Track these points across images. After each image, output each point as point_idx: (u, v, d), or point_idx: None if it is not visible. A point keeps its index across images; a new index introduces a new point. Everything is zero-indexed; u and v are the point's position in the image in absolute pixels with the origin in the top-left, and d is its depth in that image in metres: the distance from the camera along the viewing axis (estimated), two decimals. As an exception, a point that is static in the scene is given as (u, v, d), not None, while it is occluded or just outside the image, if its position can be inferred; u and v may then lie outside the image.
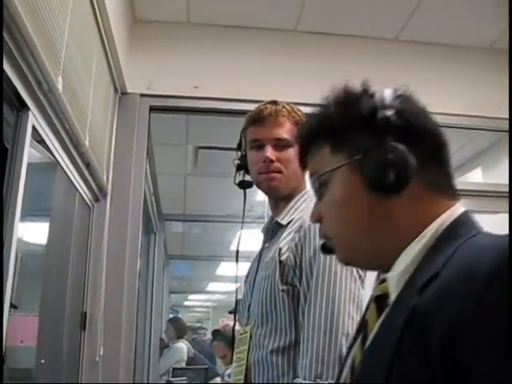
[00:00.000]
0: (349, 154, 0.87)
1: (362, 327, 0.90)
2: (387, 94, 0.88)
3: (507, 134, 3.13)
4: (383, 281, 0.86)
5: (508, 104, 2.57)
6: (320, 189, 0.92)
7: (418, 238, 0.81)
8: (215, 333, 5.71)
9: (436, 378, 0.63)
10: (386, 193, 0.83)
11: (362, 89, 0.90)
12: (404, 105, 0.87)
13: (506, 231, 0.70)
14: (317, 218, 0.94)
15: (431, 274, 0.71)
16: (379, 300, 0.86)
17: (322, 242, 0.99)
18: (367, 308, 0.92)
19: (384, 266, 0.85)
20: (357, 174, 0.85)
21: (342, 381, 0.91)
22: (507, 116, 2.80)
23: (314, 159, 0.95)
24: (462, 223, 0.82)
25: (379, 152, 0.83)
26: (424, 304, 0.68)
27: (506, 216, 2.93)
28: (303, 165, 1.00)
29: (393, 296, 0.81)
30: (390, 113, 0.84)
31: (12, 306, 1.95)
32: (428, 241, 0.80)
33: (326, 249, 0.96)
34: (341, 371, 0.94)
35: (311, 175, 0.96)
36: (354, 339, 0.92)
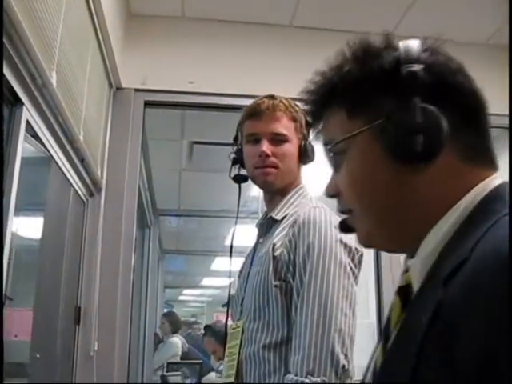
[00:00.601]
0: (368, 119, 0.75)
1: (386, 325, 0.79)
2: (414, 45, 0.75)
3: (506, 130, 3.13)
4: (407, 270, 0.76)
5: (508, 101, 2.57)
6: (336, 159, 0.80)
7: (446, 216, 0.69)
8: (206, 328, 5.73)
9: (464, 379, 0.53)
10: (413, 164, 0.71)
11: (384, 42, 0.79)
12: (434, 58, 0.75)
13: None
14: (333, 192, 0.82)
15: (458, 260, 0.60)
16: (403, 292, 0.76)
17: (342, 219, 0.86)
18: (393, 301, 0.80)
19: (410, 249, 0.75)
20: (379, 141, 0.73)
21: (366, 381, 0.82)
22: (506, 112, 2.81)
23: (328, 125, 0.82)
24: (498, 197, 0.68)
25: (405, 115, 0.71)
26: (450, 298, 0.58)
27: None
28: (316, 133, 0.87)
29: (416, 287, 0.71)
30: (417, 67, 0.72)
31: (7, 298, 1.95)
32: (457, 219, 0.68)
33: (345, 227, 0.84)
34: (366, 371, 0.84)
35: (325, 143, 0.83)
36: (381, 337, 0.80)
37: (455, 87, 0.74)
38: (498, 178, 0.72)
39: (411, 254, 0.74)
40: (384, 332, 0.78)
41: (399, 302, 0.76)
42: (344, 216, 0.84)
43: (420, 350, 0.59)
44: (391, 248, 0.84)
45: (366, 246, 0.84)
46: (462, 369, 0.53)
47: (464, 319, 0.54)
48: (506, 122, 2.86)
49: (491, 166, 0.74)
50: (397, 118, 0.71)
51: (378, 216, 0.77)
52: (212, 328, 5.41)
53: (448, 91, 0.73)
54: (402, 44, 0.76)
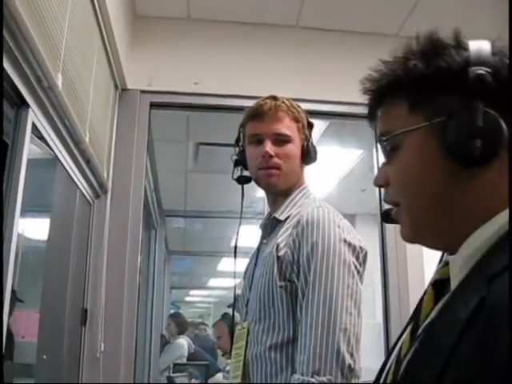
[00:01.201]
0: (430, 115, 0.75)
1: (416, 314, 0.80)
2: (484, 47, 0.75)
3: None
4: (447, 263, 0.77)
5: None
6: (391, 151, 0.81)
7: (492, 220, 0.70)
8: (225, 314, 5.72)
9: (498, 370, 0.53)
10: (468, 166, 0.71)
11: (454, 39, 0.78)
12: (503, 62, 0.74)
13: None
14: (383, 182, 0.83)
15: (505, 262, 0.60)
16: (438, 285, 0.77)
17: (386, 209, 0.86)
18: (424, 293, 0.81)
19: (453, 247, 0.75)
20: (437, 139, 0.74)
21: (386, 369, 0.81)
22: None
23: (387, 116, 0.83)
24: None
25: (467, 117, 0.71)
26: (495, 296, 0.58)
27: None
28: (372, 119, 0.86)
29: (454, 282, 0.72)
30: (485, 70, 0.72)
31: (18, 300, 1.96)
32: (501, 226, 0.68)
33: (388, 217, 0.85)
34: (387, 359, 0.84)
35: (382, 134, 0.83)
36: (406, 326, 0.81)
37: None
38: None
39: (452, 252, 0.75)
40: (412, 321, 0.79)
41: (433, 293, 0.77)
42: (390, 206, 0.84)
43: (458, 341, 0.59)
44: (433, 245, 0.83)
45: (409, 240, 0.83)
46: (497, 359, 0.53)
47: (507, 318, 0.54)
48: None
49: None
50: (458, 119, 0.72)
51: (424, 213, 0.77)
52: (229, 317, 5.41)
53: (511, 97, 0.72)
54: (472, 44, 0.76)
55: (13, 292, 1.72)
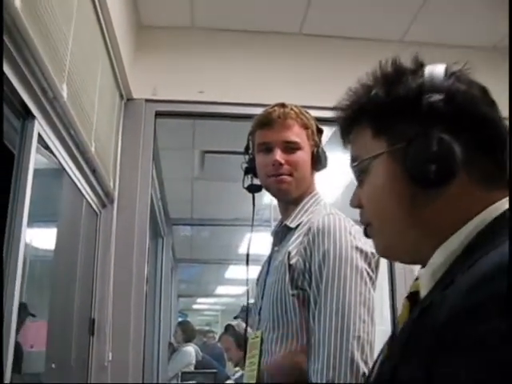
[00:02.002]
0: (391, 141, 0.80)
1: (394, 328, 0.84)
2: (437, 72, 0.78)
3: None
4: (418, 278, 0.81)
5: (508, 104, 2.55)
6: (360, 175, 0.85)
7: (456, 233, 0.74)
8: (228, 326, 5.71)
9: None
10: (427, 187, 0.76)
11: (413, 65, 0.82)
12: (457, 86, 0.77)
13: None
14: (356, 204, 0.88)
15: (458, 275, 0.65)
16: (413, 298, 0.81)
17: (363, 227, 0.90)
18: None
19: (422, 262, 0.79)
20: (399, 164, 0.78)
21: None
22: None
23: (355, 142, 0.87)
24: (505, 221, 0.71)
25: (423, 143, 0.75)
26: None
27: None
28: (345, 147, 0.90)
29: (423, 294, 0.76)
30: (438, 97, 0.75)
31: (31, 315, 1.96)
32: (466, 237, 0.73)
33: (366, 235, 0.89)
34: (372, 369, 0.88)
35: (352, 159, 0.87)
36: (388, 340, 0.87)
37: (474, 116, 0.77)
38: (507, 201, 0.75)
39: (423, 265, 0.79)
40: (393, 333, 0.84)
41: (408, 306, 0.81)
42: (365, 226, 0.89)
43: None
44: (404, 260, 0.88)
45: (383, 256, 0.92)
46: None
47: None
48: None
49: (505, 189, 0.76)
50: (415, 145, 0.76)
51: (394, 232, 0.82)
52: (234, 328, 5.39)
53: (467, 120, 0.76)
54: (427, 70, 0.79)
55: (24, 306, 1.73)
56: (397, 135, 0.79)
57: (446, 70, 0.79)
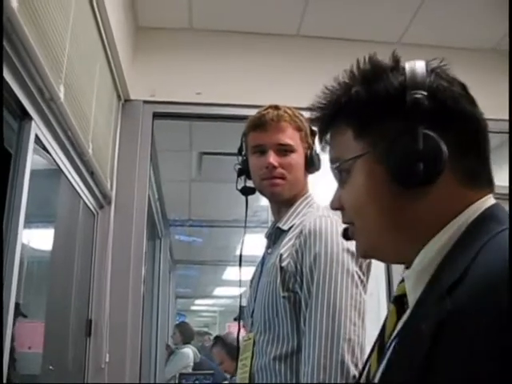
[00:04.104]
0: (374, 141, 0.77)
1: (381, 333, 0.83)
2: (419, 69, 0.76)
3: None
4: (403, 279, 0.79)
5: (508, 105, 2.55)
6: (341, 176, 0.83)
7: (440, 233, 0.73)
8: (217, 339, 5.71)
9: (486, 372, 0.54)
10: (412, 187, 0.74)
11: (392, 62, 0.80)
12: (438, 83, 0.76)
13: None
14: (337, 205, 0.86)
15: (456, 276, 0.63)
16: (399, 301, 0.80)
17: (343, 227, 0.89)
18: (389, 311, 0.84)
19: (406, 261, 0.78)
20: (382, 163, 0.76)
21: None
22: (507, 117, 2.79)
23: (334, 143, 0.85)
24: (491, 217, 0.72)
25: (407, 141, 0.73)
26: (459, 307, 0.59)
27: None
28: (322, 147, 0.89)
29: (411, 297, 0.75)
30: (421, 94, 0.74)
31: (22, 315, 1.96)
32: (451, 237, 0.72)
33: (348, 235, 0.87)
34: (359, 377, 0.88)
35: (332, 161, 0.85)
36: (374, 345, 0.85)
37: (457, 113, 0.76)
38: (491, 198, 0.76)
39: (407, 266, 0.78)
40: (379, 339, 0.82)
41: (395, 310, 0.80)
42: (347, 225, 0.87)
43: (428, 358, 0.60)
44: (388, 260, 0.88)
45: (364, 256, 0.89)
46: (478, 366, 0.54)
47: (475, 320, 0.56)
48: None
49: (488, 187, 0.77)
50: (400, 144, 0.74)
51: (376, 233, 0.80)
52: (223, 339, 5.39)
53: (450, 117, 0.75)
54: (407, 66, 0.78)
55: (16, 305, 1.72)
56: (380, 134, 0.77)
57: (427, 66, 0.78)
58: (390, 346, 0.75)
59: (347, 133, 0.81)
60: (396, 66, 0.80)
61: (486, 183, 0.78)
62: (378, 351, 0.80)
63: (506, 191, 3.30)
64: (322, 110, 0.86)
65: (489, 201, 0.75)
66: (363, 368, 0.87)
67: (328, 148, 0.87)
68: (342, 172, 0.83)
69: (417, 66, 0.77)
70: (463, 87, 0.80)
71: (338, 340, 1.33)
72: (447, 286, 0.63)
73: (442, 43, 3.45)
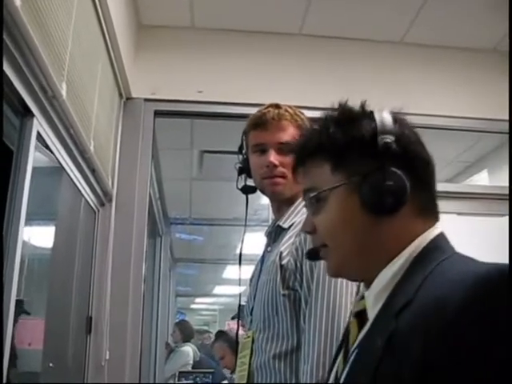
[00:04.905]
0: (348, 175, 0.89)
1: (344, 340, 0.94)
2: (386, 118, 0.89)
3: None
4: (363, 297, 0.91)
5: (508, 106, 2.55)
6: (316, 204, 0.94)
7: (394, 260, 0.85)
8: (219, 333, 5.70)
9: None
10: (380, 215, 0.86)
11: (361, 109, 0.93)
12: (402, 130, 0.89)
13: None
14: (310, 229, 0.96)
15: (405, 300, 0.75)
16: (359, 315, 0.90)
17: (310, 247, 1.00)
18: (349, 323, 0.95)
19: (369, 281, 0.88)
20: (355, 194, 0.87)
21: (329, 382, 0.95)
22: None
23: (311, 175, 0.96)
24: (436, 246, 0.85)
25: (378, 176, 0.85)
26: (400, 329, 0.72)
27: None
28: (295, 176, 1.02)
29: (370, 314, 0.86)
30: (390, 139, 0.87)
31: (25, 312, 1.96)
32: (404, 263, 0.84)
33: (313, 255, 0.99)
34: (328, 378, 0.97)
35: (307, 190, 0.97)
36: (337, 353, 0.97)
37: (416, 156, 0.90)
38: (438, 227, 0.89)
39: (368, 285, 0.89)
40: (343, 346, 0.94)
41: (356, 324, 0.91)
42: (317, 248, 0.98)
43: (377, 366, 0.73)
44: (353, 279, 1.04)
45: (334, 275, 1.01)
46: (408, 376, 0.67)
47: (409, 343, 0.69)
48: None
49: (435, 218, 0.91)
50: (372, 178, 0.86)
51: (347, 253, 0.91)
52: (226, 334, 5.39)
53: (411, 159, 0.88)
54: (377, 115, 0.90)
55: (20, 302, 1.72)
56: (354, 169, 0.88)
57: (393, 116, 0.90)
58: (353, 353, 0.86)
59: (324, 166, 0.92)
60: (365, 112, 0.92)
61: (434, 215, 0.91)
62: (343, 357, 0.91)
63: (506, 191, 3.31)
64: (302, 145, 0.99)
65: (435, 231, 0.88)
66: (330, 369, 0.99)
67: (303, 178, 0.99)
68: (318, 200, 0.94)
69: (385, 115, 0.90)
70: (416, 134, 0.93)
71: (337, 338, 1.33)
72: (396, 310, 0.75)
73: (443, 43, 3.46)
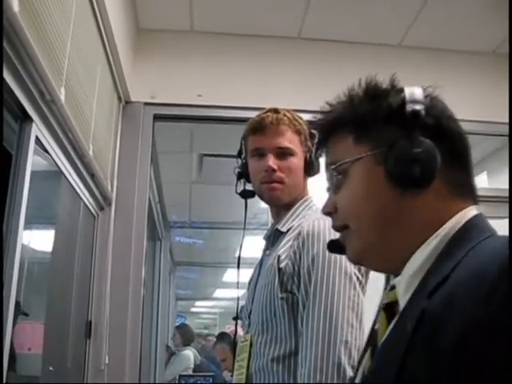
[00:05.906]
0: (373, 146, 0.83)
1: (372, 338, 0.87)
2: (417, 90, 0.84)
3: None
4: (393, 287, 0.82)
5: (508, 108, 2.55)
6: (338, 180, 0.88)
7: (428, 240, 0.77)
8: (222, 334, 5.69)
9: (443, 379, 0.61)
10: (410, 188, 0.79)
11: (391, 84, 0.88)
12: (433, 103, 0.84)
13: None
14: (331, 209, 0.89)
15: (438, 280, 0.68)
16: (388, 308, 0.83)
17: (332, 239, 0.93)
18: (376, 317, 0.87)
19: (397, 269, 0.81)
20: (380, 166, 0.81)
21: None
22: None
23: (334, 148, 0.90)
24: (475, 225, 0.78)
25: (406, 145, 0.79)
26: (433, 307, 0.65)
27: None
28: (320, 153, 0.95)
29: (402, 302, 0.77)
30: (419, 107, 0.81)
31: (23, 313, 1.96)
32: (439, 243, 0.76)
33: (336, 247, 0.92)
34: (354, 377, 0.92)
35: (329, 165, 0.90)
36: (364, 350, 0.89)
37: (449, 131, 0.83)
38: (474, 209, 0.82)
39: (396, 274, 0.82)
40: (371, 343, 0.86)
41: (385, 317, 0.83)
42: (339, 232, 0.90)
43: (407, 349, 0.67)
44: (377, 266, 0.91)
45: (356, 261, 0.93)
46: (444, 357, 0.61)
47: (445, 323, 0.62)
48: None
49: (471, 199, 0.83)
50: (398, 147, 0.80)
51: (372, 233, 0.84)
52: (228, 336, 5.38)
53: (442, 133, 0.82)
54: (407, 88, 0.85)
55: (17, 304, 1.72)
56: (379, 140, 0.83)
57: (423, 90, 0.85)
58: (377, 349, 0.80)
59: (347, 140, 0.87)
60: (395, 86, 0.87)
61: (470, 195, 0.84)
62: (371, 352, 0.85)
63: (506, 194, 3.31)
64: (324, 119, 0.92)
65: (472, 211, 0.81)
66: (357, 369, 0.92)
67: (326, 153, 0.93)
68: (339, 175, 0.87)
69: (415, 88, 0.85)
70: (452, 113, 0.87)
71: (334, 342, 1.33)
72: (430, 289, 0.69)
73: (443, 46, 3.46)
